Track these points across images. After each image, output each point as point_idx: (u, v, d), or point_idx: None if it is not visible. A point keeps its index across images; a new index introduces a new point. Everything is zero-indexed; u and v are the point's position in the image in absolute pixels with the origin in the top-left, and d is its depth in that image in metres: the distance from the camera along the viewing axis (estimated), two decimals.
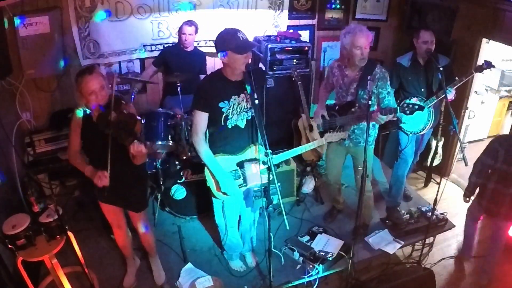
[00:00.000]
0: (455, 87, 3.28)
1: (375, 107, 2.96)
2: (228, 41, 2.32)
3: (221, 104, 2.45)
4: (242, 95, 2.49)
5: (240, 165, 2.65)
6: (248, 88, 2.39)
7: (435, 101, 3.38)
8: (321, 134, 3.39)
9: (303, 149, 2.82)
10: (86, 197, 3.62)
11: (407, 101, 2.90)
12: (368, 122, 2.62)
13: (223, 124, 2.51)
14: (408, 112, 2.77)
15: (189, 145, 3.58)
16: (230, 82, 2.46)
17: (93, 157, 2.47)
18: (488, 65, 3.18)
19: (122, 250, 2.99)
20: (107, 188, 2.34)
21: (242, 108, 2.52)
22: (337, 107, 3.19)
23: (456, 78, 3.29)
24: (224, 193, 2.65)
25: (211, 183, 2.68)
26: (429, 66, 3.42)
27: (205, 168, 2.64)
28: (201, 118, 2.47)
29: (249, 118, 2.58)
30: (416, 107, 2.75)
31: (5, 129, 3.05)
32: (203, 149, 2.53)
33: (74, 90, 2.34)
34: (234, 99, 2.48)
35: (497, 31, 3.70)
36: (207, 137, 2.63)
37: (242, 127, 2.58)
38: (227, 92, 2.46)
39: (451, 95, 3.28)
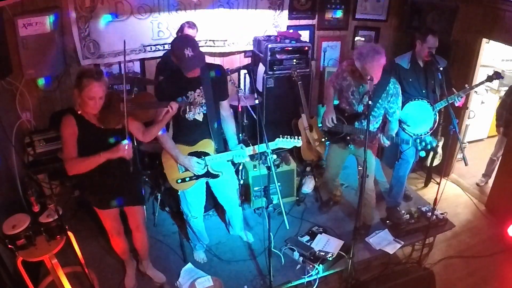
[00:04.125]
0: (464, 94, 3.36)
1: (378, 123, 3.08)
2: (174, 52, 2.47)
3: (179, 99, 2.57)
4: (198, 90, 2.62)
5: (197, 155, 2.78)
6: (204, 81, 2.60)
7: (444, 105, 3.39)
8: (325, 134, 3.40)
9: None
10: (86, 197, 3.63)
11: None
12: (367, 122, 2.63)
13: (183, 116, 2.65)
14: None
15: None
16: (187, 79, 2.56)
17: None
18: (498, 75, 3.27)
19: (121, 256, 2.96)
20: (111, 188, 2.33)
21: (198, 102, 2.64)
22: (346, 114, 3.17)
23: (467, 85, 3.38)
24: (183, 180, 2.81)
25: (168, 175, 2.84)
26: (428, 67, 3.42)
27: (163, 164, 2.82)
28: (162, 111, 2.58)
29: (205, 112, 2.70)
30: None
31: (5, 129, 3.05)
32: (163, 136, 2.69)
33: (73, 88, 2.26)
34: (191, 94, 2.61)
35: (497, 31, 3.71)
36: (170, 129, 2.85)
37: (201, 120, 2.71)
38: (184, 88, 2.59)
39: (461, 101, 3.36)
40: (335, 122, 3.16)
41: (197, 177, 2.83)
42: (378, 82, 2.85)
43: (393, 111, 3.00)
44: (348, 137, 3.19)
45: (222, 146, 2.86)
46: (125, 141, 2.28)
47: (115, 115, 2.31)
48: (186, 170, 2.78)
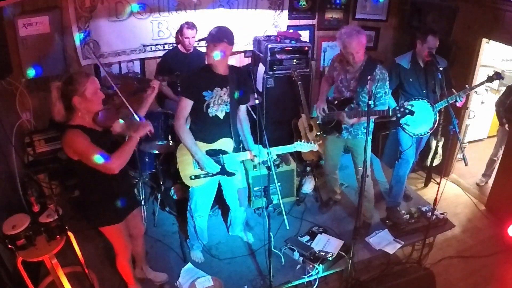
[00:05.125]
0: (465, 94, 3.37)
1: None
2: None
3: (204, 93, 2.67)
4: (224, 89, 2.70)
5: (215, 154, 2.83)
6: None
7: (444, 105, 3.39)
8: (320, 127, 3.42)
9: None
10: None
11: (403, 103, 2.95)
12: (368, 122, 2.63)
13: (204, 111, 2.71)
14: (399, 115, 2.85)
15: None
16: (216, 75, 2.67)
17: None
18: (498, 76, 3.29)
19: (130, 276, 2.76)
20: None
21: (223, 101, 2.71)
22: (336, 102, 3.25)
23: (467, 86, 3.40)
24: (196, 177, 2.84)
25: (182, 171, 2.87)
26: (428, 67, 3.42)
27: (177, 159, 2.86)
28: (186, 104, 2.68)
29: (228, 111, 2.76)
30: (407, 111, 2.82)
31: (5, 129, 3.05)
32: (185, 132, 2.73)
33: (65, 103, 2.16)
34: (217, 91, 2.69)
35: (497, 31, 3.71)
36: (189, 124, 2.86)
37: (222, 118, 2.76)
38: (212, 83, 2.68)
39: (462, 101, 3.37)
40: (327, 111, 3.25)
41: (212, 174, 2.86)
42: (364, 68, 2.98)
43: (380, 95, 3.05)
44: (341, 125, 3.24)
45: (239, 147, 2.92)
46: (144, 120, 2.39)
47: (112, 111, 2.32)
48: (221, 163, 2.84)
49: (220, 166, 2.84)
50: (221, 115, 2.75)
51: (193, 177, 2.86)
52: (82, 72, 2.23)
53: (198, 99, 2.68)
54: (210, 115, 2.73)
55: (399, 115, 2.85)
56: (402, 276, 2.99)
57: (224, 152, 2.84)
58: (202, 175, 2.85)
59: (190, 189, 3.01)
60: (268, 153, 2.54)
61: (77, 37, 3.70)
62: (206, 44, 2.61)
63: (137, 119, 2.43)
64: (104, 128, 2.31)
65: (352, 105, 3.14)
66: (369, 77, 2.74)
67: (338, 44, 2.98)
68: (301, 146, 2.86)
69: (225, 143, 2.84)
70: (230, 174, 2.91)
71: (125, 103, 2.43)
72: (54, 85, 2.15)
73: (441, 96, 3.39)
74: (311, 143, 2.87)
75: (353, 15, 4.83)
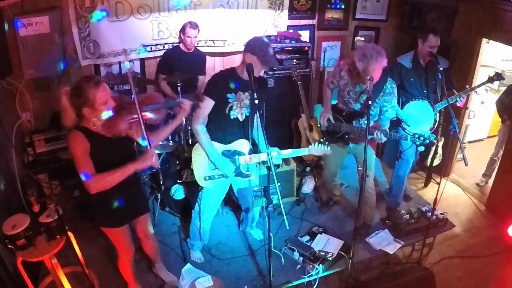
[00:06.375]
0: (465, 94, 3.38)
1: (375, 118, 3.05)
2: (260, 48, 2.60)
3: (228, 95, 2.70)
4: (246, 93, 2.75)
5: (231, 155, 2.85)
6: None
7: (444, 106, 3.39)
8: (323, 134, 3.40)
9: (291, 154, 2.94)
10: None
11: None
12: (368, 122, 2.63)
13: (227, 113, 2.74)
14: (418, 143, 2.81)
15: (189, 145, 3.59)
16: (240, 79, 2.71)
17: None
18: (499, 76, 3.30)
19: (130, 277, 2.77)
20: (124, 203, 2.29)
21: (244, 104, 2.76)
22: (344, 113, 3.17)
23: (467, 86, 3.40)
24: (210, 178, 2.85)
25: (196, 171, 2.87)
26: (429, 67, 3.42)
27: (192, 157, 2.86)
28: (208, 105, 2.71)
29: (248, 114, 2.81)
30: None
31: (5, 129, 3.05)
32: (203, 133, 2.74)
33: (74, 110, 2.11)
34: (240, 94, 2.73)
35: (497, 31, 3.71)
36: (206, 124, 2.86)
37: (241, 121, 2.80)
38: (237, 87, 2.72)
39: (462, 101, 3.38)
40: (332, 122, 3.17)
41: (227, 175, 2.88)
42: (376, 81, 2.85)
43: (386, 109, 3.03)
44: (347, 136, 3.19)
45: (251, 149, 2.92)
46: (152, 149, 2.22)
47: (124, 120, 2.23)
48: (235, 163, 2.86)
49: (235, 167, 2.84)
50: (241, 118, 2.79)
51: (207, 177, 2.86)
52: (91, 80, 2.08)
53: (222, 101, 2.70)
54: (232, 117, 2.76)
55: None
56: (402, 276, 2.99)
57: (239, 153, 2.85)
58: (217, 176, 2.85)
59: (201, 191, 3.01)
60: (268, 153, 2.53)
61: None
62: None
63: (146, 145, 2.24)
64: (113, 135, 2.23)
65: (361, 120, 3.09)
66: (368, 77, 2.73)
67: (358, 66, 2.79)
68: (315, 150, 2.87)
69: (242, 144, 2.84)
70: (246, 176, 2.90)
71: (142, 127, 2.21)
72: (62, 91, 2.08)
73: (442, 96, 3.39)
74: (325, 146, 2.90)
75: (353, 15, 4.82)
